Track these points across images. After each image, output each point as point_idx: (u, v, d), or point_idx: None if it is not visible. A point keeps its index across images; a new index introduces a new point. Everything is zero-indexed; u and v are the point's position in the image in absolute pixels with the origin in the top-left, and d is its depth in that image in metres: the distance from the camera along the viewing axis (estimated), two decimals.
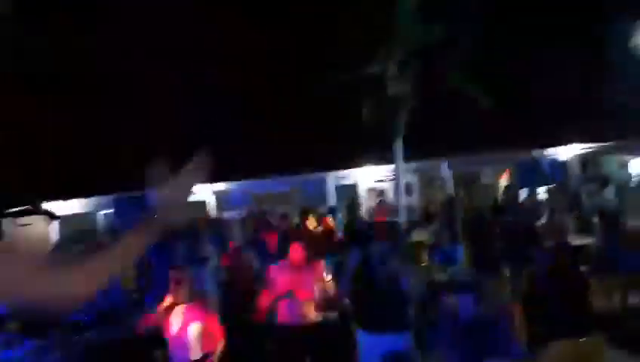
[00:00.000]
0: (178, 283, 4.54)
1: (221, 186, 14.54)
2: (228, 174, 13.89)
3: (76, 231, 13.98)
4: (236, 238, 7.96)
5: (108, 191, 14.64)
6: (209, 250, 7.74)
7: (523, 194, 12.12)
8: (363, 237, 6.62)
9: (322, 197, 13.78)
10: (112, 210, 14.38)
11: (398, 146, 12.51)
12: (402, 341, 4.17)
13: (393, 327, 4.12)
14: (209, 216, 11.20)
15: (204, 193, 14.46)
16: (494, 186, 14.01)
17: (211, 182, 14.12)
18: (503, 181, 14.29)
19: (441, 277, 7.30)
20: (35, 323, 6.94)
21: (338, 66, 11.70)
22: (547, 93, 13.54)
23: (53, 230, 14.26)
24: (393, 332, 4.12)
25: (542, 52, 14.22)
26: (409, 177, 13.79)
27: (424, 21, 11.68)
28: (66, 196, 14.55)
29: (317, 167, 13.79)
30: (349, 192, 14.10)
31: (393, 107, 12.01)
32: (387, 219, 9.52)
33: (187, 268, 5.22)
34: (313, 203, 11.66)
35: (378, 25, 11.59)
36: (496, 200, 11.37)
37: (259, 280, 4.87)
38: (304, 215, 8.15)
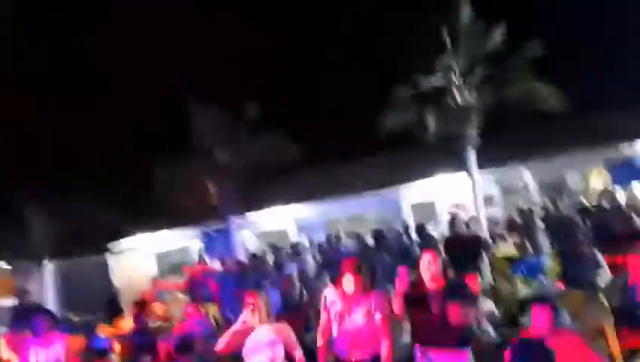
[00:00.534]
0: (253, 306, 4.67)
1: (300, 212, 14.86)
2: (303, 197, 14.19)
3: (174, 261, 15.01)
4: (309, 264, 8.09)
5: (197, 223, 15.30)
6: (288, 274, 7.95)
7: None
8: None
9: (397, 215, 13.64)
10: (202, 243, 15.15)
11: (472, 156, 12.14)
12: (459, 358, 4.00)
13: (449, 343, 3.97)
14: (289, 243, 11.54)
15: (285, 220, 14.87)
16: (583, 190, 13.11)
17: (288, 206, 14.50)
18: (595, 183, 13.33)
19: (524, 291, 6.93)
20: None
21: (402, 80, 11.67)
22: (625, 82, 12.57)
23: (153, 263, 15.37)
24: (450, 348, 3.97)
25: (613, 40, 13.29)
26: (489, 187, 13.29)
27: (484, 27, 11.40)
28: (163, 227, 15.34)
29: (389, 182, 13.70)
30: (425, 209, 13.85)
31: (461, 116, 11.73)
32: (465, 233, 9.19)
33: (261, 292, 5.38)
34: (388, 222, 11.59)
35: (437, 36, 11.46)
36: (584, 205, 10.62)
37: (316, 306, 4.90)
38: None
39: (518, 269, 7.93)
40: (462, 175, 12.87)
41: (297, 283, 6.44)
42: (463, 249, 8.19)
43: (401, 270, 4.27)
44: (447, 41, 11.74)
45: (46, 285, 13.58)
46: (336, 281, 4.72)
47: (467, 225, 9.69)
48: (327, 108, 15.09)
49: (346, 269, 4.35)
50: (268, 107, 14.04)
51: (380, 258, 7.54)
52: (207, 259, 13.46)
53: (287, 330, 4.55)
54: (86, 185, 14.26)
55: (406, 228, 9.70)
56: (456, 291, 4.16)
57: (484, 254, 8.50)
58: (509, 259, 8.75)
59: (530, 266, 7.81)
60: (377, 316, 4.25)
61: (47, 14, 15.16)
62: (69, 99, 15.41)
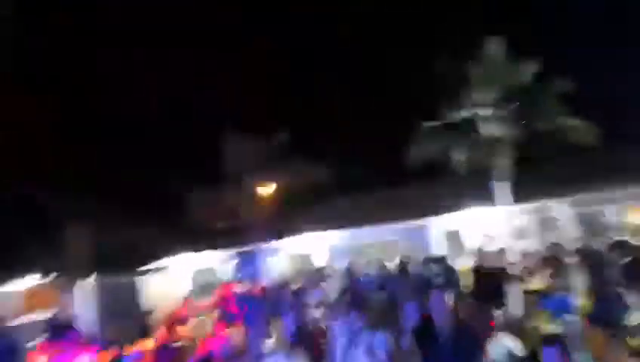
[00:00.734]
0: (274, 331, 4.83)
1: (331, 239, 14.95)
2: (334, 224, 14.29)
3: (205, 282, 15.31)
4: (331, 292, 8.15)
5: (231, 246, 15.60)
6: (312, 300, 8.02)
7: None
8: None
9: (425, 245, 13.53)
10: (234, 263, 15.45)
11: (502, 188, 12.02)
12: None
13: None
14: (314, 269, 11.62)
15: (315, 246, 14.96)
16: (622, 225, 12.68)
17: (319, 232, 14.60)
18: (634, 218, 12.88)
19: (548, 327, 6.76)
20: None
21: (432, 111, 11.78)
22: None
23: (186, 282, 15.70)
24: None
25: None
26: (523, 220, 13.04)
27: (515, 61, 11.41)
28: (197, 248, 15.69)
29: (420, 212, 13.66)
30: (454, 239, 13.69)
31: (490, 149, 11.68)
32: (493, 265, 9.05)
33: (280, 318, 5.52)
34: (416, 252, 11.52)
35: (467, 69, 11.53)
36: (619, 241, 10.29)
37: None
38: None
39: (545, 305, 7.75)
40: (493, 207, 12.74)
41: (316, 310, 6.50)
42: (489, 282, 8.10)
43: (409, 307, 4.32)
44: (477, 74, 11.80)
45: (85, 299, 14.07)
46: (355, 309, 4.79)
47: (495, 257, 9.56)
48: (359, 137, 15.27)
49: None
50: (300, 134, 14.37)
51: (402, 289, 7.52)
52: (237, 280, 13.71)
53: (300, 357, 4.66)
54: (126, 207, 14.82)
55: (429, 260, 9.64)
56: (466, 328, 4.17)
57: (511, 288, 8.36)
58: (538, 294, 8.55)
59: (557, 303, 7.62)
60: (380, 353, 4.29)
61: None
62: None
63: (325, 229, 14.71)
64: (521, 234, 12.60)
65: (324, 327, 5.54)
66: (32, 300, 14.30)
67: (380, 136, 15.04)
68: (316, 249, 14.89)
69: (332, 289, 8.40)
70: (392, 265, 9.87)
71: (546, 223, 13.38)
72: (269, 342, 4.82)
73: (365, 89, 15.30)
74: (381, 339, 4.37)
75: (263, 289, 10.25)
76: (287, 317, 6.49)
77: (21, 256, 13.76)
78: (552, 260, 10.01)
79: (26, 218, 14.17)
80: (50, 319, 10.22)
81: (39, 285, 14.22)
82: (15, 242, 13.81)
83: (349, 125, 15.41)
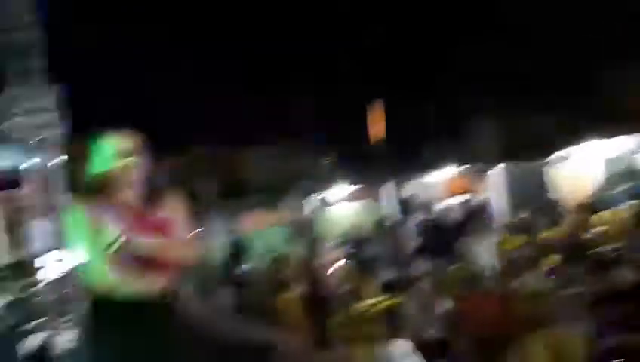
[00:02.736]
0: None
1: None
2: None
3: (621, 170, 14.01)
4: None
5: None
6: None
7: None
8: None
9: None
10: None
11: None
12: None
13: None
14: None
15: None
16: None
17: None
18: None
19: None
20: None
21: None
22: None
23: (599, 168, 14.73)
24: None
25: None
26: None
27: None
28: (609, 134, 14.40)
29: None
30: None
31: None
32: None
33: None
34: None
35: None
36: None
37: None
38: None
39: None
40: None
41: None
42: None
43: None
44: None
45: (496, 186, 15.27)
46: None
47: None
48: None
49: None
50: None
51: None
52: None
53: None
54: (533, 98, 14.73)
55: None
56: None
57: None
58: None
59: None
60: None
61: None
62: None
63: None
64: None
65: None
66: (451, 187, 16.56)
67: None
68: None
69: None
70: None
71: None
72: None
73: None
74: None
75: None
76: None
77: (439, 150, 16.03)
78: None
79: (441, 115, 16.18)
80: (464, 203, 11.84)
81: (456, 174, 16.24)
82: (433, 138, 16.14)
83: None
